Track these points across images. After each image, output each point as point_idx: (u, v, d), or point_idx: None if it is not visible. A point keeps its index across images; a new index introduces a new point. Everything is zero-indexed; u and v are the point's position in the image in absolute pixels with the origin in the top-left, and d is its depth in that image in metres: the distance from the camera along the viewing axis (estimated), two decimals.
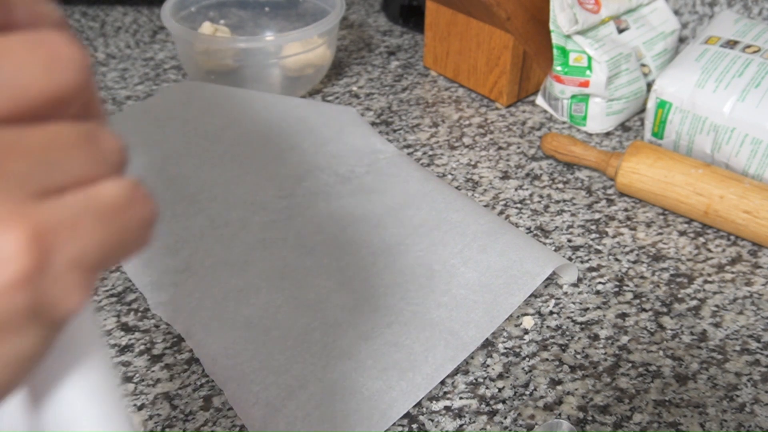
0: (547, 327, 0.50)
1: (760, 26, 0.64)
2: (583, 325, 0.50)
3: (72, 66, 0.18)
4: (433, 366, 0.46)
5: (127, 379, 0.46)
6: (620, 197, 0.62)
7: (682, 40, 0.77)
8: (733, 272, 0.55)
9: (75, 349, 0.21)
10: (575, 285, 0.53)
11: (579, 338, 0.49)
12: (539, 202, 0.62)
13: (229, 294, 0.51)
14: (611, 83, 0.68)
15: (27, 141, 0.18)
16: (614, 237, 0.58)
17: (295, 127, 0.67)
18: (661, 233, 0.58)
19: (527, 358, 0.48)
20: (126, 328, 0.50)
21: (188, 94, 0.69)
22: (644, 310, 0.51)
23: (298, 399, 0.44)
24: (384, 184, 0.61)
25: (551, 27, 0.67)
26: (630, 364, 0.47)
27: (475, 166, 0.66)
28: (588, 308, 0.52)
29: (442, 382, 0.46)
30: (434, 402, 0.45)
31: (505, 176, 0.65)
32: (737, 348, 0.49)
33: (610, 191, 0.63)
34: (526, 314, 0.51)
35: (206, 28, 0.75)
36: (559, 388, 0.46)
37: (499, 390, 0.46)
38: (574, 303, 0.52)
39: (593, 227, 0.59)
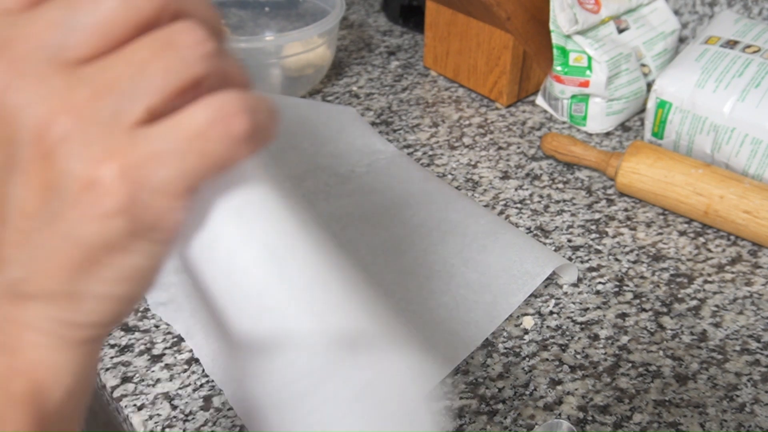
0: (547, 327, 0.50)
1: (760, 26, 0.64)
2: (583, 325, 0.50)
3: None
4: (433, 366, 0.46)
5: (127, 380, 0.46)
6: (620, 197, 0.62)
7: (682, 40, 0.77)
8: (733, 272, 0.55)
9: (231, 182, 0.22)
10: (575, 285, 0.53)
11: (579, 338, 0.49)
12: (539, 202, 0.62)
13: None
14: (611, 83, 0.68)
15: (113, 73, 0.19)
16: (614, 237, 0.58)
17: (295, 127, 0.67)
18: (661, 233, 0.58)
19: (527, 358, 0.48)
20: (126, 328, 0.50)
21: None
22: (644, 310, 0.51)
23: None
24: (384, 184, 0.61)
25: (551, 27, 0.67)
26: (630, 364, 0.47)
27: (475, 166, 0.66)
28: (588, 308, 0.52)
29: (442, 382, 0.46)
30: (434, 402, 0.45)
31: (505, 176, 0.65)
32: (737, 348, 0.49)
33: (610, 191, 0.63)
34: (526, 314, 0.51)
35: None
36: (559, 388, 0.46)
37: (499, 390, 0.46)
38: (574, 303, 0.52)
39: (593, 227, 0.59)
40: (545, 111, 0.74)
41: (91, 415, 0.65)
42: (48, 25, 0.20)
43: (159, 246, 0.21)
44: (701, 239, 0.58)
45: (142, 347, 0.48)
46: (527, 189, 0.63)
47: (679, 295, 0.53)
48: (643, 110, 0.73)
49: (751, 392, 0.46)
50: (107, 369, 0.47)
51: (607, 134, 0.71)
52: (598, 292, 0.53)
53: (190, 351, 0.48)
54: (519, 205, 0.61)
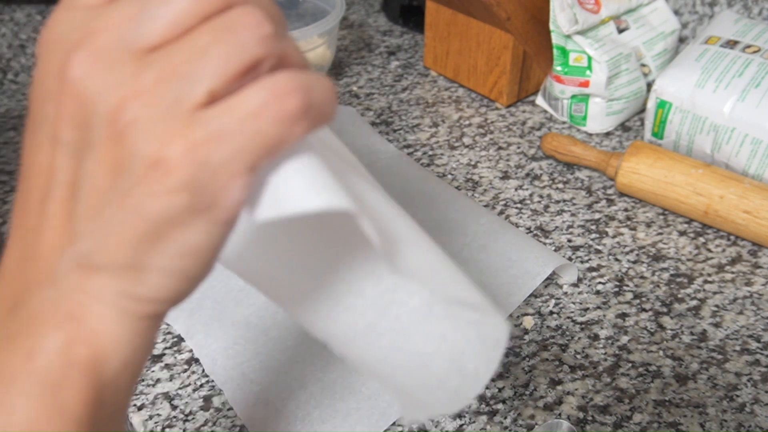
0: (547, 327, 0.50)
1: (760, 26, 0.64)
2: (583, 325, 0.50)
3: None
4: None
5: None
6: (620, 197, 0.62)
7: (682, 40, 0.77)
8: (733, 272, 0.55)
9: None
10: (575, 285, 0.53)
11: (579, 338, 0.49)
12: (539, 202, 0.62)
13: (229, 294, 0.51)
14: (611, 83, 0.68)
15: (177, 59, 0.21)
16: (614, 237, 0.58)
17: None
18: (661, 233, 0.58)
19: (527, 358, 0.48)
20: None
21: None
22: (644, 310, 0.51)
23: (298, 399, 0.44)
24: (384, 184, 0.61)
25: (551, 27, 0.67)
26: (630, 364, 0.47)
27: (475, 166, 0.66)
28: (588, 308, 0.52)
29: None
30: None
31: (505, 176, 0.65)
32: (737, 348, 0.49)
33: (610, 191, 0.63)
34: (526, 314, 0.51)
35: None
36: (559, 388, 0.46)
37: (499, 390, 0.46)
38: (574, 303, 0.52)
39: (593, 227, 0.59)
40: (545, 111, 0.74)
41: None
42: (125, 17, 0.21)
43: (218, 225, 0.22)
44: (701, 239, 0.58)
45: None
46: (527, 189, 0.63)
47: (679, 295, 0.53)
48: (643, 110, 0.73)
49: (751, 392, 0.46)
50: None
51: (607, 134, 0.71)
52: (598, 292, 0.53)
53: (190, 351, 0.48)
54: (519, 205, 0.61)
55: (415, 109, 0.74)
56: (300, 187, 0.22)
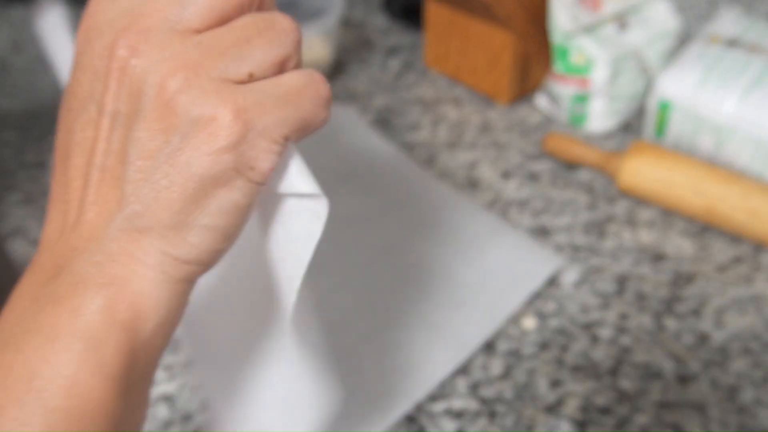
0: (548, 328, 0.50)
1: (762, 25, 0.64)
2: (583, 326, 0.50)
3: None
4: (433, 366, 0.46)
5: None
6: (621, 197, 0.62)
7: (683, 40, 0.76)
8: (735, 272, 0.54)
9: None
10: (576, 285, 0.53)
11: (580, 339, 0.49)
12: (539, 202, 0.61)
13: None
14: (612, 83, 0.67)
15: (224, 41, 0.24)
16: (615, 237, 0.58)
17: None
18: (662, 233, 0.58)
19: (528, 359, 0.48)
20: None
21: None
22: (645, 310, 0.51)
23: None
24: (384, 184, 0.61)
25: (552, 26, 0.67)
26: (631, 365, 0.47)
27: (475, 166, 0.66)
28: (589, 309, 0.51)
29: (442, 383, 0.46)
30: (434, 403, 0.45)
31: (505, 176, 0.65)
32: (739, 349, 0.48)
33: (611, 191, 0.63)
34: (527, 315, 0.51)
35: None
36: (559, 389, 0.46)
37: (500, 391, 0.46)
38: (574, 303, 0.52)
39: (594, 227, 0.59)
40: (545, 111, 0.74)
41: None
42: (168, 2, 0.24)
43: (253, 185, 0.24)
44: (703, 239, 0.58)
45: None
46: (527, 189, 0.63)
47: (681, 296, 0.52)
48: (644, 110, 0.73)
49: (753, 393, 0.45)
50: None
51: (608, 134, 0.70)
52: (599, 293, 0.53)
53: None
54: (519, 205, 0.61)
55: (415, 109, 0.74)
56: (304, 173, 0.26)
